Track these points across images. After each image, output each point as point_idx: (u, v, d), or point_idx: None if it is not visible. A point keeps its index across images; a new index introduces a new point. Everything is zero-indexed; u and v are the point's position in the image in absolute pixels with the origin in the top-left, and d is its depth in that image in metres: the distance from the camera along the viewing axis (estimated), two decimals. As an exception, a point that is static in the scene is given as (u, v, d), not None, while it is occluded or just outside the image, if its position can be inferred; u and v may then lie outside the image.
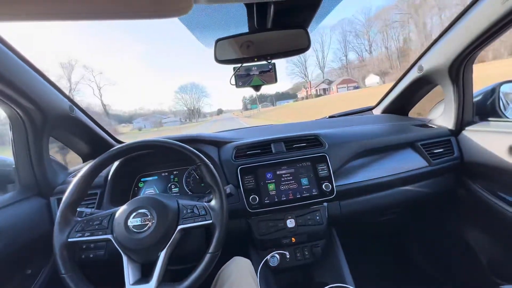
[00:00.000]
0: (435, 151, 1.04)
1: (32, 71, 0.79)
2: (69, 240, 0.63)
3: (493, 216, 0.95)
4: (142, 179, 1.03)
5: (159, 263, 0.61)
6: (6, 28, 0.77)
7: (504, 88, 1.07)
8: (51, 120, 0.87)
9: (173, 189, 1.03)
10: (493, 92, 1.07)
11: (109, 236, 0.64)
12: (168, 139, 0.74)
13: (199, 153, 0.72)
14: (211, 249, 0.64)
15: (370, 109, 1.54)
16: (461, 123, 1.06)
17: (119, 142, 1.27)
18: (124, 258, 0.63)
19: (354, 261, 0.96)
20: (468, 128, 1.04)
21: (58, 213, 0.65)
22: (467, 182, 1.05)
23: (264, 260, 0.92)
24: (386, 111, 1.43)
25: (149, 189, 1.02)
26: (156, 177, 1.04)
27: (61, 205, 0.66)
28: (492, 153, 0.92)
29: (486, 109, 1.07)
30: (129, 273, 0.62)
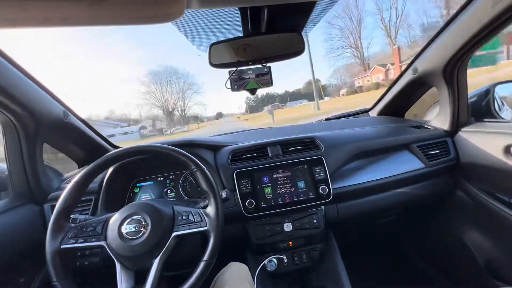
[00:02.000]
0: (431, 152, 1.04)
1: (23, 76, 0.78)
2: (62, 246, 0.62)
3: (490, 217, 0.95)
4: (137, 185, 1.02)
5: (153, 270, 0.61)
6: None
7: (498, 89, 1.08)
8: (45, 126, 0.86)
9: (169, 194, 1.02)
10: (487, 93, 1.08)
11: (103, 243, 0.63)
12: (164, 144, 0.73)
13: (195, 159, 0.72)
14: (205, 257, 0.63)
15: (367, 111, 1.55)
16: (457, 124, 1.07)
17: (115, 147, 1.26)
18: (117, 265, 0.62)
19: (352, 264, 0.95)
20: (464, 129, 1.05)
21: (51, 219, 0.64)
22: (464, 183, 1.05)
23: (262, 264, 0.91)
24: (382, 113, 1.43)
25: (144, 195, 1.01)
26: (151, 182, 1.03)
27: (54, 211, 0.65)
28: (488, 153, 0.92)
29: (481, 110, 1.07)
30: (122, 280, 0.61)
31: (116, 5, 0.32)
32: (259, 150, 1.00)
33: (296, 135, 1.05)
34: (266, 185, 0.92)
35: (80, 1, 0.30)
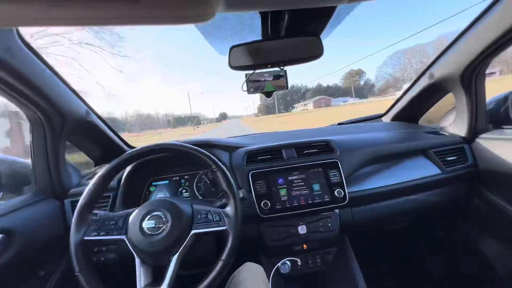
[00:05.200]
0: (448, 158, 1.03)
1: (53, 75, 0.82)
2: (85, 238, 0.64)
3: (511, 226, 0.93)
4: (153, 183, 1.04)
5: (171, 267, 0.61)
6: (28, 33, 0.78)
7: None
8: (69, 124, 0.89)
9: (183, 194, 1.03)
10: (506, 100, 1.06)
11: (123, 237, 0.64)
12: (184, 143, 0.75)
13: (216, 159, 0.73)
14: (224, 256, 0.64)
15: (379, 116, 1.54)
16: (474, 131, 1.05)
17: (131, 147, 1.29)
18: (137, 260, 0.63)
19: (367, 269, 0.94)
20: (482, 136, 1.03)
21: (76, 212, 0.66)
22: (483, 191, 1.03)
23: (275, 267, 0.90)
24: (395, 118, 1.42)
25: (160, 193, 1.02)
26: (167, 182, 1.04)
27: (78, 204, 0.67)
28: (508, 161, 0.90)
29: (500, 116, 1.06)
30: (141, 275, 0.62)
31: (150, 6, 0.34)
32: (274, 152, 1.01)
33: (311, 138, 1.06)
34: (281, 186, 0.92)
35: (117, 2, 0.32)
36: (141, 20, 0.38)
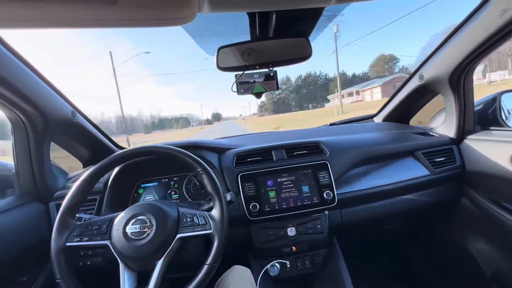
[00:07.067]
0: (436, 159, 1.04)
1: (34, 76, 0.80)
2: (67, 244, 0.63)
3: (496, 226, 0.94)
4: (142, 185, 1.02)
5: (156, 272, 0.60)
6: (8, 32, 0.76)
7: (505, 98, 1.07)
8: (53, 125, 0.87)
9: (173, 196, 1.02)
10: (494, 101, 1.07)
11: (107, 242, 0.63)
12: (170, 146, 0.74)
13: (202, 161, 0.72)
14: (209, 261, 0.63)
15: (371, 117, 1.55)
16: (463, 132, 1.06)
17: (120, 147, 1.27)
18: (121, 266, 0.62)
19: (355, 271, 0.94)
20: (470, 137, 1.04)
21: (58, 217, 0.65)
22: (470, 191, 1.04)
23: (264, 269, 0.90)
24: (387, 119, 1.43)
25: (148, 196, 1.01)
26: (156, 183, 1.03)
27: (61, 208, 0.65)
28: (494, 162, 0.91)
29: (488, 118, 1.07)
30: (125, 281, 0.61)
31: (128, 8, 0.33)
32: (264, 154, 1.00)
33: (301, 140, 1.05)
34: (270, 188, 0.92)
35: (93, 3, 0.31)
36: (118, 22, 0.37)
